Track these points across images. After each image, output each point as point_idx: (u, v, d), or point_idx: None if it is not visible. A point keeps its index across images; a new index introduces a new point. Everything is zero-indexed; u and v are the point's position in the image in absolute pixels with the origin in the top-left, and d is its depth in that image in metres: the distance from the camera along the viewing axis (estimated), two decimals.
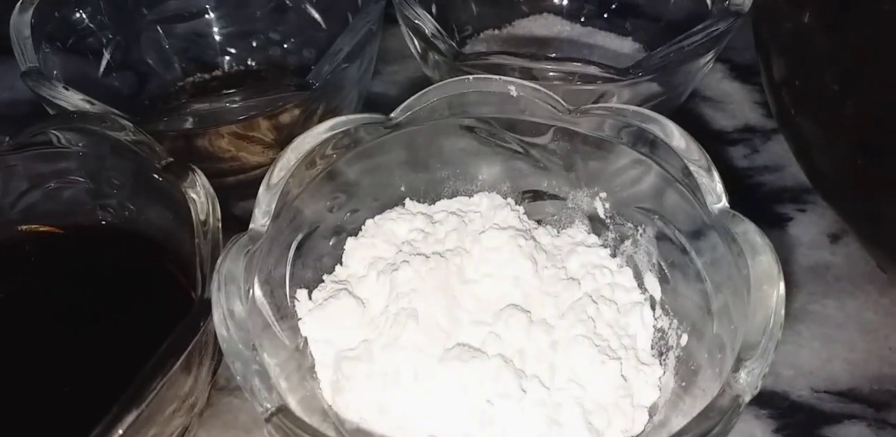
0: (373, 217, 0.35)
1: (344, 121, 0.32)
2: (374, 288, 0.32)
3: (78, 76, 0.42)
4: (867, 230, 0.37)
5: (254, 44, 0.49)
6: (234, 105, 0.34)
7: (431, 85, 0.33)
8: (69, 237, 0.36)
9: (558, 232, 0.36)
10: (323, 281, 0.33)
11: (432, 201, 0.36)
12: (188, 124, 0.35)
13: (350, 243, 0.34)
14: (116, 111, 0.34)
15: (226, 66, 0.49)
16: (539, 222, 0.36)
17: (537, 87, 0.33)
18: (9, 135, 0.34)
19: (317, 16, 0.47)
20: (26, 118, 0.49)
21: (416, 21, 0.38)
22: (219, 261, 0.27)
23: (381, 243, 0.34)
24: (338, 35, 0.45)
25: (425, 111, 0.33)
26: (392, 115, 0.33)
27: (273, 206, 0.29)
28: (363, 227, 0.35)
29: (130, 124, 0.32)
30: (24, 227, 0.36)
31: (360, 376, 0.29)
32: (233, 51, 0.49)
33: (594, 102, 0.37)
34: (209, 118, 0.35)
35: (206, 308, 0.26)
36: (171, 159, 0.31)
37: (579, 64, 0.36)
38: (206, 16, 0.48)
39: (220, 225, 0.29)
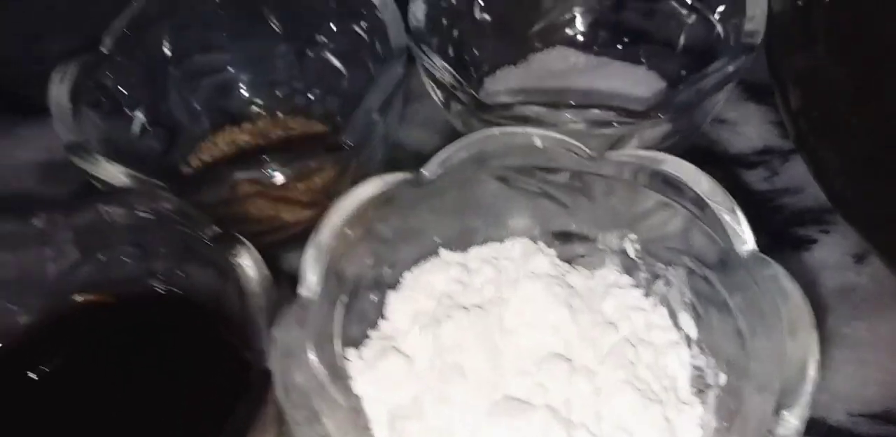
0: (410, 269, 0.36)
1: (382, 182, 0.33)
2: (418, 343, 0.33)
3: (113, 137, 0.44)
4: (891, 252, 0.38)
5: (279, 94, 0.50)
6: (274, 171, 0.36)
7: (459, 135, 0.35)
8: (121, 306, 0.37)
9: (591, 273, 0.37)
10: (368, 336, 0.35)
11: (465, 249, 0.38)
12: (227, 192, 0.36)
13: (391, 296, 0.36)
14: (160, 183, 0.36)
15: (253, 117, 0.50)
16: (571, 262, 0.37)
17: (562, 137, 0.34)
18: (60, 209, 0.35)
19: (337, 64, 0.48)
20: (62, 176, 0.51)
21: (438, 74, 0.39)
22: (274, 333, 0.28)
23: (420, 297, 0.35)
24: (359, 81, 0.47)
25: (455, 165, 0.34)
26: (423, 171, 0.34)
27: (322, 272, 0.31)
28: (401, 279, 0.36)
29: (175, 198, 0.34)
30: (77, 296, 0.37)
31: (413, 433, 0.31)
32: (259, 101, 0.50)
33: (617, 141, 0.38)
34: (257, 186, 0.37)
35: (265, 379, 0.28)
36: (220, 231, 0.33)
37: (599, 111, 0.37)
38: (230, 69, 0.49)
39: (272, 294, 0.31)
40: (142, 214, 0.35)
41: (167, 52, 0.47)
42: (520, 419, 0.30)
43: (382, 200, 0.34)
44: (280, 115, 0.50)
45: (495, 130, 0.34)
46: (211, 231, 0.33)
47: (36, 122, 0.55)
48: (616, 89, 0.47)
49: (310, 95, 0.50)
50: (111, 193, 0.37)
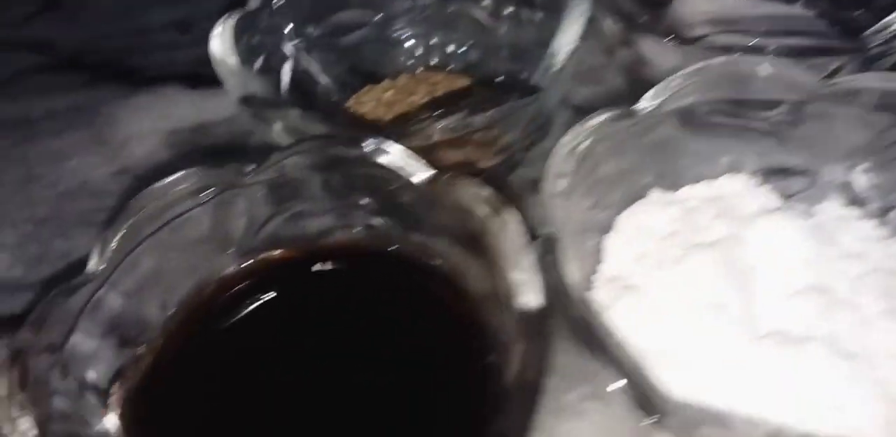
0: (624, 211, 0.35)
1: (598, 118, 0.32)
2: (656, 283, 0.32)
3: (266, 95, 0.42)
4: None
5: (418, 52, 0.49)
6: (477, 118, 0.34)
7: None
8: (317, 260, 0.35)
9: (813, 208, 0.35)
10: (591, 280, 0.33)
11: (675, 189, 0.36)
12: (433, 139, 0.35)
13: (608, 239, 0.34)
14: (352, 133, 0.34)
15: (393, 74, 0.48)
16: (790, 198, 0.35)
17: (787, 64, 0.32)
18: (252, 163, 0.33)
19: (480, 16, 0.46)
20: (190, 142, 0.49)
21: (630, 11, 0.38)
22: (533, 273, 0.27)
23: (640, 238, 0.34)
24: (502, 34, 0.45)
25: (671, 99, 0.33)
26: (640, 106, 0.33)
27: (560, 212, 0.29)
28: (616, 221, 0.35)
29: (382, 141, 0.32)
30: (269, 253, 0.35)
31: (677, 369, 0.29)
32: (399, 58, 0.48)
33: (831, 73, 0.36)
34: (452, 132, 0.35)
35: (542, 322, 0.26)
36: (436, 172, 0.31)
37: (810, 38, 0.35)
38: (369, 27, 0.48)
39: (520, 233, 0.29)
40: (340, 162, 0.33)
41: (308, 11, 0.45)
42: (793, 352, 0.28)
43: (596, 141, 0.32)
44: (420, 70, 0.48)
45: (715, 61, 0.33)
46: (424, 174, 0.31)
47: (148, 91, 0.54)
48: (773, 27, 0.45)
49: (449, 50, 0.48)
50: (305, 141, 0.34)
